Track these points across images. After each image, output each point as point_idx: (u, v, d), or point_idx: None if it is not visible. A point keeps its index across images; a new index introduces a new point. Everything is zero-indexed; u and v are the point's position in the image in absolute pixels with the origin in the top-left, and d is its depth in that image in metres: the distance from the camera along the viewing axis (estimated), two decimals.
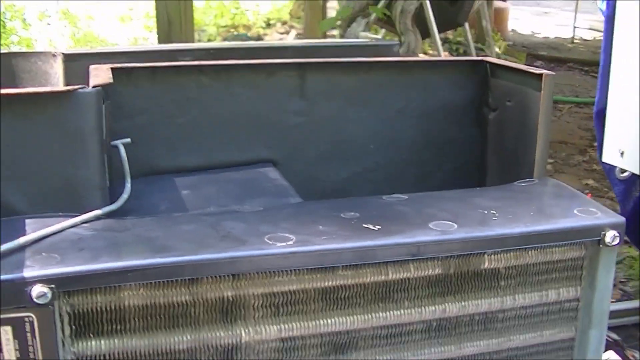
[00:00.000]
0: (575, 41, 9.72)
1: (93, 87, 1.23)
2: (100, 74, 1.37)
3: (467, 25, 6.54)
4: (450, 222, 1.23)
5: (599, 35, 5.63)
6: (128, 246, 1.11)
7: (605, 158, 2.06)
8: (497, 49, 7.84)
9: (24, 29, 8.52)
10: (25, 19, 8.55)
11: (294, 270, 1.13)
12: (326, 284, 1.15)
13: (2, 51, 2.08)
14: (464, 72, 1.70)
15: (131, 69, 1.49)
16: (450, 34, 8.06)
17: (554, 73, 1.48)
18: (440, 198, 1.36)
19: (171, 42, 4.67)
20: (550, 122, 1.49)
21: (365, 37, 3.38)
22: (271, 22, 9.16)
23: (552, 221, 1.28)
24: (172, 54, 1.87)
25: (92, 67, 1.45)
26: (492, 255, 1.24)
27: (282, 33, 8.71)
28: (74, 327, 1.07)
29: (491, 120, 1.68)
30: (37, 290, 1.01)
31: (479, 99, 1.71)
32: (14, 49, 7.38)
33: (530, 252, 1.26)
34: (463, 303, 1.25)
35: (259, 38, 8.40)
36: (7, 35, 8.23)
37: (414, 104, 1.68)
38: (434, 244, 1.18)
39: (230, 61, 1.56)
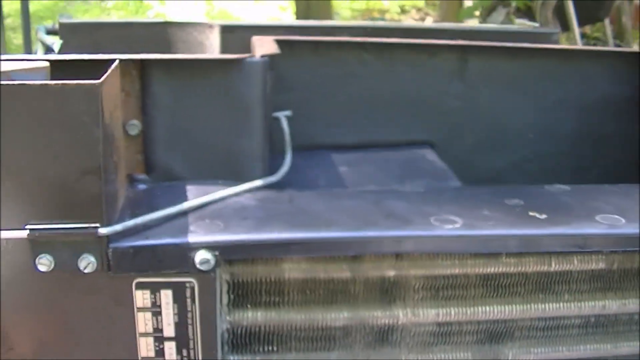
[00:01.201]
0: None
1: (261, 56, 1.23)
2: (265, 45, 1.37)
3: (607, 20, 6.35)
4: (617, 217, 1.18)
5: None
6: (291, 218, 1.10)
7: None
8: (636, 47, 7.59)
9: (160, 5, 8.75)
10: None
11: (458, 254, 1.10)
12: (488, 270, 1.12)
13: (159, 20, 2.11)
14: (628, 64, 1.64)
15: (293, 42, 1.49)
16: (587, 30, 7.85)
17: None
18: (605, 191, 1.31)
19: None
20: None
21: (522, 24, 3.31)
22: (406, 7, 9.11)
23: None
24: (329, 30, 1.86)
25: (255, 37, 1.45)
26: None
27: (417, 20, 8.64)
28: (232, 296, 1.07)
29: None
30: (201, 256, 1.01)
31: None
32: None
33: None
34: (623, 301, 1.20)
35: None
36: (144, 10, 8.47)
37: (573, 94, 1.63)
38: (601, 237, 1.13)
39: (393, 39, 1.54)
